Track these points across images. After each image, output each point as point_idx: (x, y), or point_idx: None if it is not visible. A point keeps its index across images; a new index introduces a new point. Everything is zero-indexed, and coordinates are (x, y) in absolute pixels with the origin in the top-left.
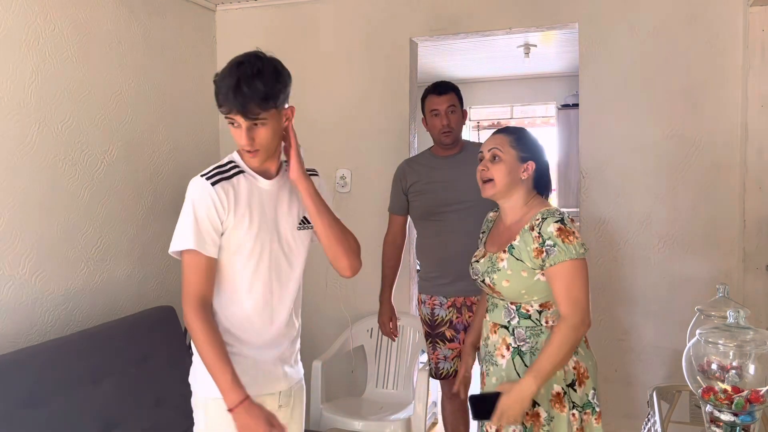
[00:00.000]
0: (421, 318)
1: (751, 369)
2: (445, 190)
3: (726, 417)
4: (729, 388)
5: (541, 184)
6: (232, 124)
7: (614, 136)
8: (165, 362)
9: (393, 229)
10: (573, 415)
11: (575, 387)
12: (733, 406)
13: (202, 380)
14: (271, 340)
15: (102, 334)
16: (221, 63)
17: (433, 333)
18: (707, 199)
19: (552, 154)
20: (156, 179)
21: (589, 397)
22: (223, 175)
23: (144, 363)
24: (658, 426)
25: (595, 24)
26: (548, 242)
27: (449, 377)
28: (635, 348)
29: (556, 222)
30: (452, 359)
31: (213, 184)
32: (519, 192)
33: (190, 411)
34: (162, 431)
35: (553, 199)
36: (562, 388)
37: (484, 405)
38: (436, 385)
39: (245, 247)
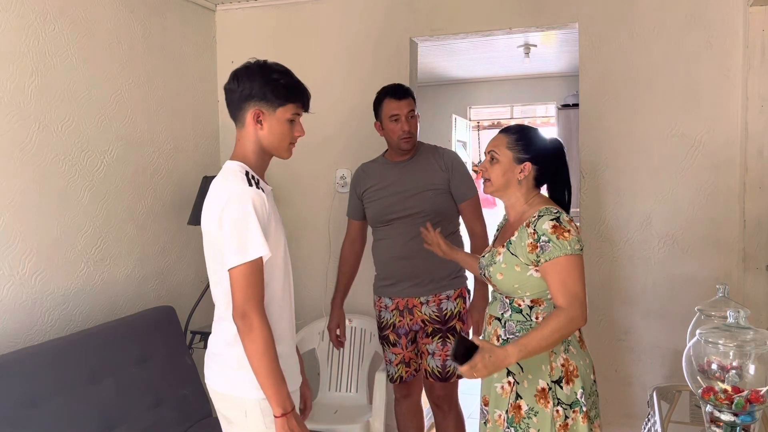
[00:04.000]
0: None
1: (751, 369)
2: (394, 199)
3: (726, 417)
4: (729, 388)
5: (543, 182)
6: (293, 121)
7: (614, 136)
8: (165, 362)
9: (350, 234)
10: (557, 411)
11: (562, 384)
12: (733, 406)
13: (251, 381)
14: (293, 333)
15: (102, 334)
16: (221, 63)
17: (381, 336)
18: (707, 199)
19: None
20: (156, 179)
21: (578, 396)
22: (256, 181)
23: (144, 363)
24: (658, 426)
25: (595, 24)
26: (543, 238)
27: (395, 382)
28: (635, 348)
29: (551, 220)
30: (396, 364)
31: (262, 191)
32: (518, 191)
33: (190, 411)
34: (162, 431)
35: None
36: (548, 384)
37: (464, 350)
38: None
39: (280, 246)
